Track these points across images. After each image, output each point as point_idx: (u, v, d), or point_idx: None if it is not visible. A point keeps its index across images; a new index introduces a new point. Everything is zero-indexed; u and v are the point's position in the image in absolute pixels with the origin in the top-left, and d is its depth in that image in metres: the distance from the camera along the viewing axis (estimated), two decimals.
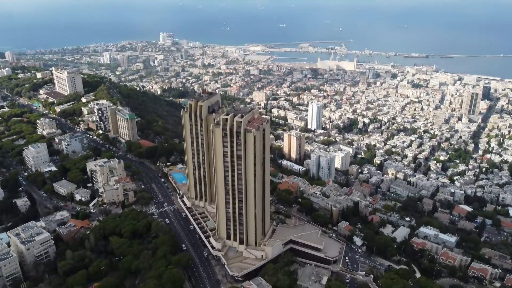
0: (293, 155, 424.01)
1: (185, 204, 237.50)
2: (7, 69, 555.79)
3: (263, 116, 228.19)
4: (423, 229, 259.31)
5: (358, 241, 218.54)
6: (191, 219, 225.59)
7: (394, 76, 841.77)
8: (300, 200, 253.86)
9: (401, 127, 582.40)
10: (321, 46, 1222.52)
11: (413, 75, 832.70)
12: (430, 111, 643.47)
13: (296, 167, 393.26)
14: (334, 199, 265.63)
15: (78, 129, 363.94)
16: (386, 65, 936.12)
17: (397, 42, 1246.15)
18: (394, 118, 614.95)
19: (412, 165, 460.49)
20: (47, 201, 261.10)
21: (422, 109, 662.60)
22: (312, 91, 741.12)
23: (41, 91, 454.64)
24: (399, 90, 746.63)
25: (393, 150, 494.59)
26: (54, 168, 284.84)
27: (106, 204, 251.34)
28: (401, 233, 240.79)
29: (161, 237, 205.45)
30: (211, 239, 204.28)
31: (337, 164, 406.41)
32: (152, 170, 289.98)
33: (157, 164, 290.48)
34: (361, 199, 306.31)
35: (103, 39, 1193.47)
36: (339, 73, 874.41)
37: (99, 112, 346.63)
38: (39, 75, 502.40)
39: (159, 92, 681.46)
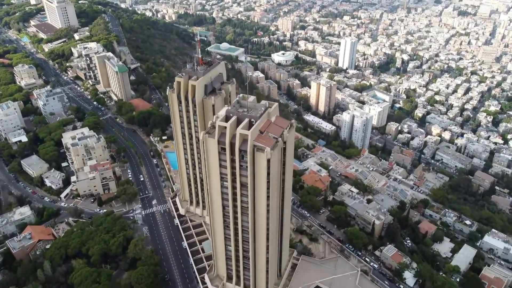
0: (321, 107, 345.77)
1: (177, 209, 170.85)
2: None
3: (282, 115, 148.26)
4: (488, 240, 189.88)
5: (409, 278, 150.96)
6: (183, 235, 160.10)
7: (437, 1, 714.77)
8: (330, 202, 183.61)
9: (445, 66, 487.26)
10: None
11: (460, 0, 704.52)
12: (479, 47, 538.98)
13: (325, 125, 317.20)
14: (375, 201, 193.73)
15: (65, 77, 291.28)
16: None
17: None
18: (436, 55, 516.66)
19: (459, 118, 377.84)
20: (12, 185, 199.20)
21: (469, 43, 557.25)
22: (344, 18, 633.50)
23: (32, 23, 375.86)
24: (443, 18, 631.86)
25: (436, 98, 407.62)
26: (24, 138, 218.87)
27: (81, 197, 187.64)
28: (465, 256, 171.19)
29: (140, 268, 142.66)
30: (206, 277, 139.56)
31: (373, 120, 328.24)
32: (144, 144, 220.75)
33: (150, 136, 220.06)
34: (405, 187, 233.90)
35: None
36: None
37: (87, 58, 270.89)
38: (32, 0, 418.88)
39: (173, 18, 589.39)
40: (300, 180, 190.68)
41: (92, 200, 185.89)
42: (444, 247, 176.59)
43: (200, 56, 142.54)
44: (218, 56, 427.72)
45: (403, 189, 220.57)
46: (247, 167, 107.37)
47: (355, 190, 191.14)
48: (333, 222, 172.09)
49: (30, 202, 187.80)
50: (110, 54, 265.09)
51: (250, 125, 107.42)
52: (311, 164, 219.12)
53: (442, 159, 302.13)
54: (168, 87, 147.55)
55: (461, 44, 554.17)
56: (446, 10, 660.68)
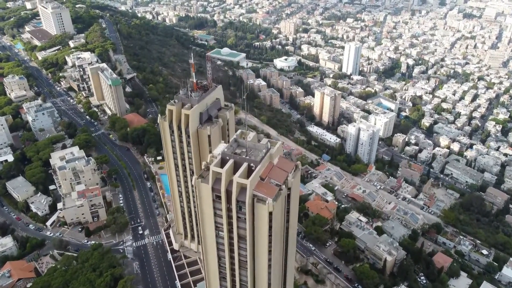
0: (325, 117, 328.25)
1: (170, 243, 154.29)
2: None
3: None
4: (507, 272, 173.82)
5: None
6: (176, 274, 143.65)
7: (442, 3, 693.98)
8: (337, 232, 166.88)
9: (451, 71, 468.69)
10: None
11: (465, 1, 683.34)
12: (485, 51, 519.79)
13: (329, 137, 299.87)
14: (385, 233, 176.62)
15: (58, 88, 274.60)
16: None
17: None
18: (442, 59, 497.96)
19: (467, 128, 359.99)
20: None
21: (475, 47, 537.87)
22: (348, 20, 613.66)
23: (26, 29, 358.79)
24: (448, 21, 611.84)
25: (443, 106, 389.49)
26: (10, 158, 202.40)
27: (68, 225, 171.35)
28: None
29: None
30: None
31: (378, 128, 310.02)
32: (137, 164, 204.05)
33: (145, 156, 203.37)
34: (415, 207, 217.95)
35: None
36: None
37: (80, 69, 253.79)
38: (28, 5, 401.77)
39: (174, 21, 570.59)
40: (304, 207, 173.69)
41: (79, 229, 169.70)
42: (461, 284, 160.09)
43: (194, 80, 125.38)
44: (219, 62, 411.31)
45: (413, 212, 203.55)
46: (245, 219, 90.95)
47: (363, 219, 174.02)
48: (341, 257, 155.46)
49: (14, 230, 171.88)
50: (104, 65, 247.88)
51: (249, 170, 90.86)
52: (316, 186, 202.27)
53: (451, 174, 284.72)
54: (159, 115, 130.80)
55: (467, 48, 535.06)
56: (451, 13, 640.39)
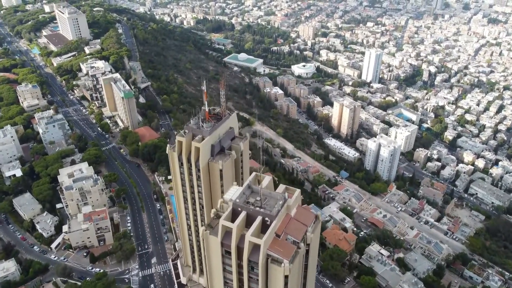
0: (344, 130, 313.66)
1: (177, 276, 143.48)
2: None
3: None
4: None
5: None
6: None
7: (466, 7, 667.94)
8: (356, 266, 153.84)
9: (475, 80, 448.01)
10: None
11: (490, 6, 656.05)
12: (511, 58, 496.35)
13: (347, 151, 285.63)
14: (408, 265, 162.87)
15: (72, 96, 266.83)
16: None
17: None
18: (466, 67, 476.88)
19: (492, 142, 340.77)
20: (1, 229, 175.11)
21: (501, 54, 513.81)
22: (368, 24, 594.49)
23: (43, 33, 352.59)
24: (472, 26, 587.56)
25: (467, 117, 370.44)
26: (19, 172, 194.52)
27: (73, 249, 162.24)
28: None
29: None
30: None
31: (399, 142, 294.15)
32: (147, 183, 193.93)
33: (155, 174, 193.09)
34: (438, 232, 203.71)
35: None
36: (400, 0, 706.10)
37: (94, 79, 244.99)
38: (47, 8, 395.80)
39: (192, 24, 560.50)
40: (321, 238, 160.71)
41: (85, 254, 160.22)
42: None
43: (207, 109, 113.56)
44: (236, 69, 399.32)
45: (437, 241, 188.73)
46: (258, 280, 79.16)
47: (385, 252, 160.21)
48: None
49: (18, 252, 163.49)
50: (117, 75, 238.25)
51: (263, 225, 79.05)
52: (334, 211, 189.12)
53: (476, 194, 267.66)
54: (168, 145, 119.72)
55: (491, 55, 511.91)
56: (475, 18, 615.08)
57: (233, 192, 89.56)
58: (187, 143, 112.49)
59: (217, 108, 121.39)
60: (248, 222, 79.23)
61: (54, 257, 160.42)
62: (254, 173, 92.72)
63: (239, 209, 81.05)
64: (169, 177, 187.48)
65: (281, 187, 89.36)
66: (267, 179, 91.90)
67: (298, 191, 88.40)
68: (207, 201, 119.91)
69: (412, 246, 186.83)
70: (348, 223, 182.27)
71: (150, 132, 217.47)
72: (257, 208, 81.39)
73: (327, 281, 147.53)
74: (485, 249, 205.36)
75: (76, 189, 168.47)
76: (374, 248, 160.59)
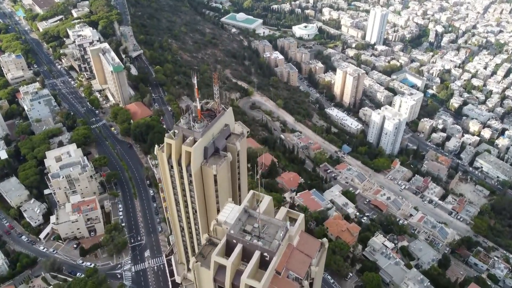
0: (347, 99, 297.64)
1: (172, 273, 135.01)
2: None
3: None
4: None
5: None
6: None
7: None
8: (360, 259, 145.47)
9: (483, 41, 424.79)
10: None
11: None
12: None
13: (350, 122, 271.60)
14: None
15: (59, 66, 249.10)
16: None
17: None
18: (474, 27, 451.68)
19: (499, 109, 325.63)
20: None
21: (511, 12, 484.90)
22: None
23: None
24: None
25: (474, 82, 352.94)
26: (3, 154, 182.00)
27: (63, 240, 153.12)
28: None
29: None
30: None
31: (404, 111, 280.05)
32: (140, 166, 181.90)
33: (148, 157, 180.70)
34: (443, 212, 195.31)
35: None
36: None
37: (81, 49, 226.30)
38: None
39: None
40: (323, 230, 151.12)
41: (74, 246, 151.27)
42: None
43: (199, 106, 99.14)
44: (234, 30, 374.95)
45: (442, 226, 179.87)
46: None
47: (389, 245, 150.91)
48: None
49: (5, 243, 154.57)
50: (106, 46, 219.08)
51: (262, 261, 67.80)
52: (336, 195, 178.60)
53: (481, 168, 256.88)
54: (156, 146, 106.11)
55: (501, 13, 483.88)
56: None
57: (228, 213, 77.84)
58: (177, 146, 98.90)
59: (210, 102, 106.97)
60: (245, 255, 67.94)
61: (43, 249, 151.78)
62: (251, 192, 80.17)
63: (234, 241, 69.23)
64: None
65: (282, 211, 76.98)
66: (266, 200, 79.31)
67: (301, 216, 75.79)
68: (200, 206, 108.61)
69: (416, 231, 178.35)
70: (351, 209, 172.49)
71: (142, 109, 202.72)
72: (255, 241, 69.61)
73: (329, 277, 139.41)
74: (489, 230, 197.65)
75: (63, 177, 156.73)
76: (378, 239, 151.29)
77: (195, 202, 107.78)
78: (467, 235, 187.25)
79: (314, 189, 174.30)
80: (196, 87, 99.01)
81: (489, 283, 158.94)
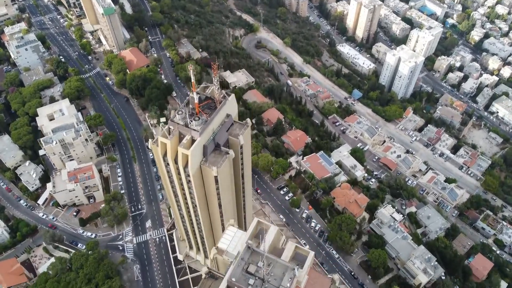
0: (360, 33, 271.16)
1: (173, 249, 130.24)
2: None
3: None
4: None
5: None
6: None
7: None
8: (367, 232, 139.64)
9: None
10: None
11: None
12: None
13: (362, 61, 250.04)
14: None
15: (47, 0, 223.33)
16: None
17: None
18: None
19: None
20: None
21: None
22: None
23: None
24: None
25: (499, 11, 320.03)
26: None
27: (62, 206, 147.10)
28: None
29: None
30: None
31: (420, 47, 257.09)
32: (138, 124, 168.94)
33: (146, 115, 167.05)
34: (453, 167, 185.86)
35: None
36: None
37: None
38: None
39: None
40: (330, 201, 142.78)
41: (74, 213, 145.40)
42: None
43: (196, 100, 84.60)
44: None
45: (452, 188, 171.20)
46: None
47: (397, 217, 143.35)
48: (368, 271, 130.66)
49: (4, 208, 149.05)
50: None
51: None
52: (344, 155, 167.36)
53: (497, 113, 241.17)
54: (149, 140, 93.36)
55: None
56: None
57: (229, 239, 70.61)
58: (173, 146, 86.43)
59: (210, 86, 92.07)
60: None
61: (43, 215, 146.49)
62: (256, 221, 70.32)
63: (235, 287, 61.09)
64: (162, 120, 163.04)
65: (290, 247, 67.99)
66: (272, 231, 70.11)
67: (311, 254, 66.43)
68: (201, 202, 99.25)
69: (425, 192, 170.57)
70: (359, 171, 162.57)
71: (138, 57, 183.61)
72: (259, 282, 61.53)
73: (334, 252, 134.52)
74: (500, 187, 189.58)
75: (56, 142, 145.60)
76: (386, 211, 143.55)
77: (194, 198, 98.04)
78: (476, 194, 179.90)
79: (322, 151, 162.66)
80: (193, 81, 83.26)
81: (494, 249, 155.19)
